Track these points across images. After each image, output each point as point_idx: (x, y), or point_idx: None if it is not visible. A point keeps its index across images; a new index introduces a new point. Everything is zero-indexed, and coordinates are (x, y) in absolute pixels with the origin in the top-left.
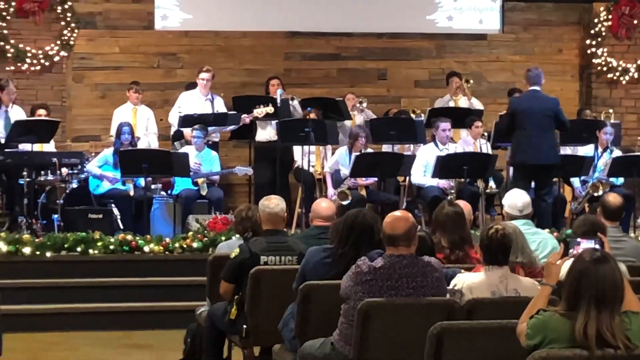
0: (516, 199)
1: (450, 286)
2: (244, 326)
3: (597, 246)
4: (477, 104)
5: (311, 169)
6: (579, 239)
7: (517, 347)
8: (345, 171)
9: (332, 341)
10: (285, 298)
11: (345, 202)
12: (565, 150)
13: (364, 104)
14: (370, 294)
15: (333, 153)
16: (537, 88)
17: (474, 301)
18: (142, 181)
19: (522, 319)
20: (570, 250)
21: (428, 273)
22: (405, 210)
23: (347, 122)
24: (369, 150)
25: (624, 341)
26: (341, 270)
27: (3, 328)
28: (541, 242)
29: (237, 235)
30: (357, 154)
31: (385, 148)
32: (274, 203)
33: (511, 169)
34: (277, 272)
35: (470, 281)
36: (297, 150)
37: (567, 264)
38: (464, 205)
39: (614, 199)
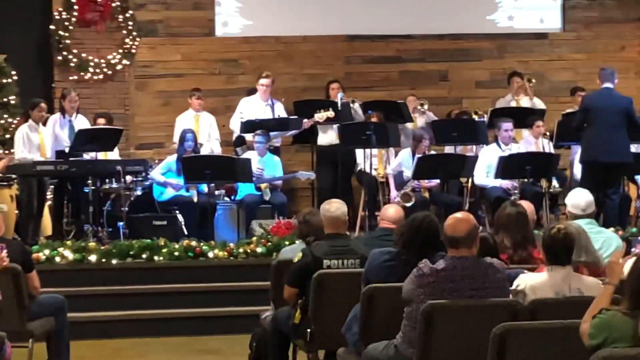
0: (579, 198)
1: (513, 287)
2: (308, 330)
3: None
4: (539, 104)
5: (374, 172)
6: None
7: (581, 347)
8: (408, 173)
9: (395, 344)
10: (348, 301)
11: (408, 204)
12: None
13: (425, 106)
14: (433, 296)
15: (396, 155)
16: (610, 86)
17: (537, 302)
18: (205, 187)
19: (585, 318)
20: (633, 249)
21: (490, 274)
22: (467, 212)
23: (409, 125)
24: (432, 152)
25: None
26: (405, 273)
27: (70, 335)
28: (605, 241)
29: (300, 240)
30: (420, 156)
31: (448, 149)
32: (335, 207)
33: (577, 166)
34: (340, 275)
35: (533, 281)
36: (359, 153)
37: (630, 262)
38: (527, 205)
39: None
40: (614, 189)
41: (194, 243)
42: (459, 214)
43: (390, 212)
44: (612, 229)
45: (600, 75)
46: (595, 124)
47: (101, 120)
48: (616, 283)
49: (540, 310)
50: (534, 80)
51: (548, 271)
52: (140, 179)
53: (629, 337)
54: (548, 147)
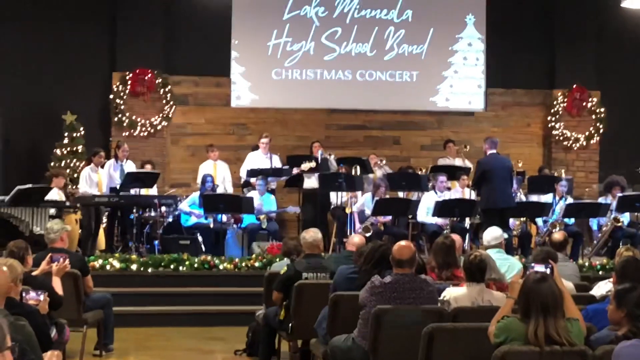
0: (491, 233)
1: (441, 297)
2: (290, 324)
3: (548, 270)
4: (468, 163)
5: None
6: (533, 264)
7: (489, 344)
8: (368, 211)
9: (353, 337)
10: (320, 304)
11: (367, 234)
12: (532, 198)
13: (384, 162)
14: (381, 302)
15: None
16: (495, 151)
17: (458, 309)
18: (223, 217)
19: (491, 322)
20: (527, 273)
21: (424, 287)
22: (409, 241)
23: (371, 175)
24: (387, 196)
25: (568, 340)
26: (364, 283)
27: (114, 323)
28: (510, 265)
29: (286, 258)
30: (377, 199)
31: (399, 194)
32: (310, 235)
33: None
34: (315, 285)
35: (455, 294)
36: (333, 195)
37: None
38: (457, 238)
39: (556, 235)
40: (508, 227)
41: (209, 258)
42: (403, 242)
43: (355, 239)
44: (517, 256)
45: (487, 143)
46: (493, 180)
47: (148, 166)
48: (515, 297)
49: (460, 316)
50: (468, 146)
51: (467, 286)
52: (171, 209)
53: (522, 337)
54: (471, 194)
